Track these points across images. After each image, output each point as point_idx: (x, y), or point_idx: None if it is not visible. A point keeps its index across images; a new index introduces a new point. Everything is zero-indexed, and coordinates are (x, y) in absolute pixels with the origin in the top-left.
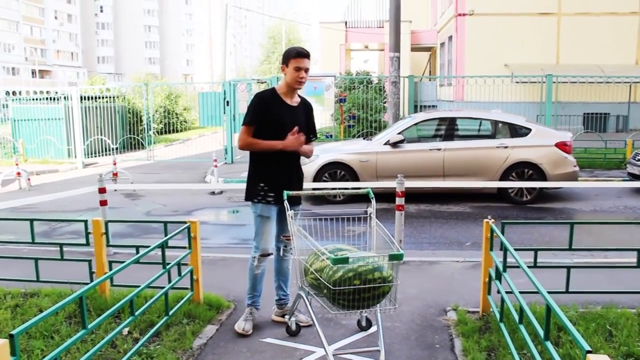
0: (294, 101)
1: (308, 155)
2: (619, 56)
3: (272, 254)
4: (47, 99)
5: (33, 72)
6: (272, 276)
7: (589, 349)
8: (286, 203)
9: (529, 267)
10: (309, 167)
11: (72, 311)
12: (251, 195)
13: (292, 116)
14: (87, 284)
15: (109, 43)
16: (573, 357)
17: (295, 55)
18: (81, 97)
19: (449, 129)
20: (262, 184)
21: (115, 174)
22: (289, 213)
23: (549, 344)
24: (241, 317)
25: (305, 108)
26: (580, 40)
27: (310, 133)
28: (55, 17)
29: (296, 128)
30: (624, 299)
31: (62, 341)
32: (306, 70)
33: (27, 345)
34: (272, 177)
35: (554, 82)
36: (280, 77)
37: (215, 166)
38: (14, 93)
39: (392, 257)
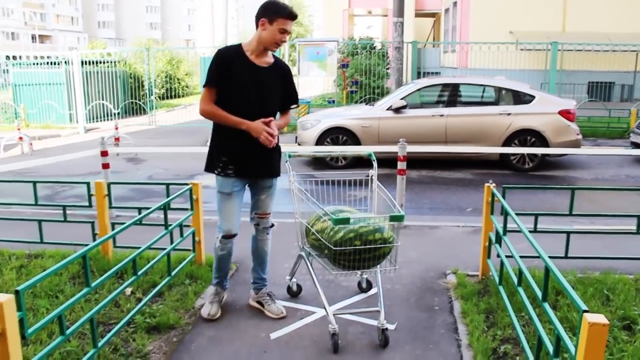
0: (264, 62)
1: (281, 127)
2: (626, 24)
3: (236, 234)
4: (47, 63)
5: (33, 37)
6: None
7: (586, 308)
8: (288, 165)
9: (529, 231)
10: (310, 132)
11: (76, 272)
12: (210, 166)
13: (258, 78)
14: None
15: (110, 7)
16: (570, 320)
17: (287, 16)
18: (82, 62)
19: (451, 95)
20: (224, 158)
21: (117, 139)
22: (291, 174)
23: (546, 305)
24: (207, 300)
25: (280, 71)
26: (587, 7)
27: (288, 100)
28: None
29: (271, 119)
30: (622, 265)
31: (66, 300)
32: (289, 34)
33: (33, 304)
34: (235, 151)
35: (559, 50)
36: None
37: None
38: (14, 57)
39: (393, 218)
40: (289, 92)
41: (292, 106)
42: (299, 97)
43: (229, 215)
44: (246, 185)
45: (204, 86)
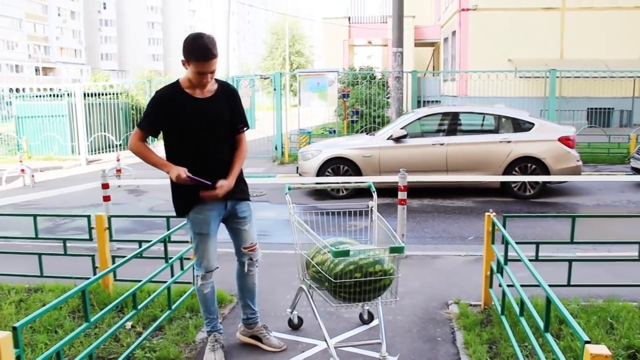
0: (206, 92)
1: (239, 167)
2: (624, 51)
3: (217, 267)
4: (50, 95)
5: (36, 70)
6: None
7: (588, 339)
8: (288, 197)
9: (530, 260)
10: (311, 162)
11: (76, 306)
12: (182, 209)
13: (202, 111)
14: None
15: (112, 40)
16: (574, 350)
17: (195, 60)
18: (84, 94)
19: (451, 124)
20: (191, 192)
21: (118, 170)
22: (291, 206)
23: (548, 336)
24: (206, 347)
25: (226, 95)
26: (585, 34)
27: (237, 123)
28: (59, 14)
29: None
30: (625, 292)
31: (65, 335)
32: (212, 72)
33: (31, 339)
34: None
35: (557, 77)
36: (284, 73)
37: None
38: (17, 90)
39: (393, 250)
40: (234, 114)
41: (241, 128)
42: (300, 127)
43: (207, 253)
44: (220, 222)
45: (137, 127)
